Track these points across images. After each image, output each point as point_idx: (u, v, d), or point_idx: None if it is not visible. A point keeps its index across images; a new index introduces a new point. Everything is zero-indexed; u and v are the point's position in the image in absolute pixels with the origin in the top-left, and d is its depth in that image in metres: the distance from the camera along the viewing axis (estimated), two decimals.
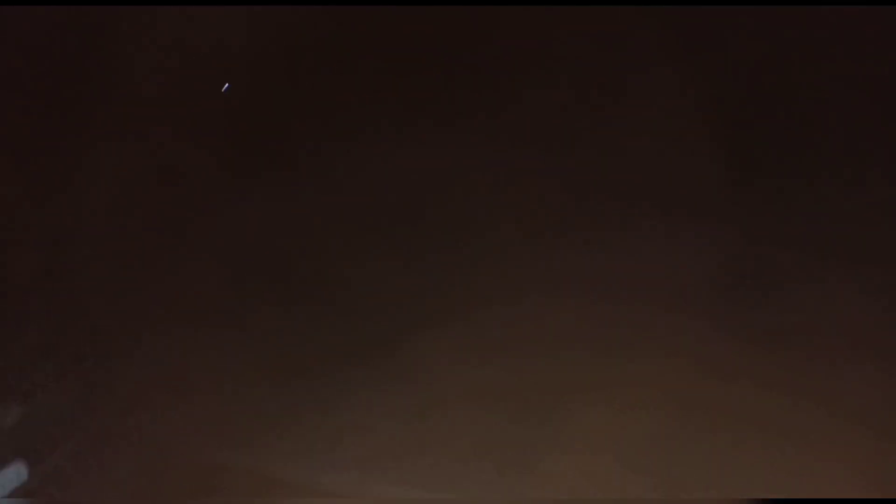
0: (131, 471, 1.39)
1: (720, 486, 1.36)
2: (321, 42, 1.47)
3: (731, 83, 1.45)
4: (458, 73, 1.47)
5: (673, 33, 1.45)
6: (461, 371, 1.41)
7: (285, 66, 1.47)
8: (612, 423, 1.39)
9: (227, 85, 1.45)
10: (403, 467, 1.38)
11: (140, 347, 1.43)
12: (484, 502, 1.38)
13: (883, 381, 1.39)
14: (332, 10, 1.46)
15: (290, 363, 1.43)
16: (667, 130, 1.45)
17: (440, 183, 1.45)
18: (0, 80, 1.44)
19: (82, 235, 1.44)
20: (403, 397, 1.40)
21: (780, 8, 1.44)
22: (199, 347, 1.42)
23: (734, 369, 1.40)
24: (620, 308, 1.42)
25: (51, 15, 1.44)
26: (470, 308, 1.43)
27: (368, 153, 1.46)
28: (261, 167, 1.47)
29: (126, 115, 1.45)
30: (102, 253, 1.44)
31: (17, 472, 1.36)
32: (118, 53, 1.45)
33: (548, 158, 1.46)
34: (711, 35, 1.45)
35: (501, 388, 1.41)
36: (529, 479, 1.38)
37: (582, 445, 1.39)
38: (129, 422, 1.41)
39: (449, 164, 1.45)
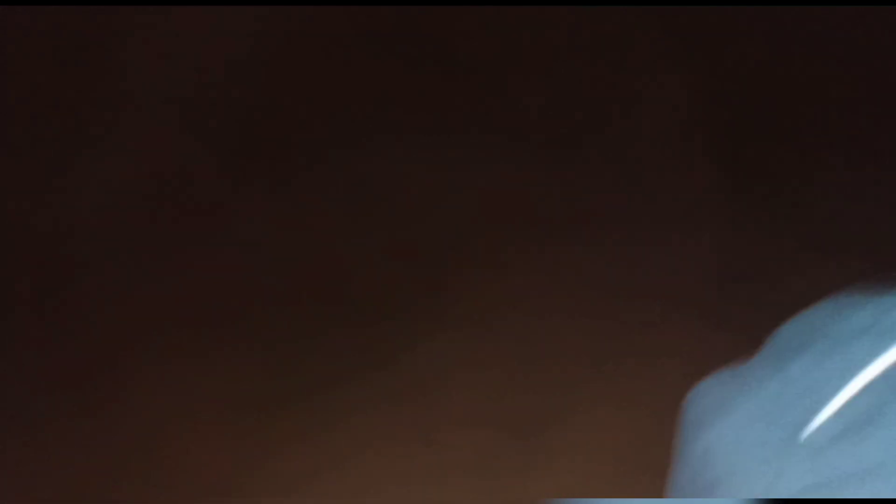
0: (129, 474, 1.39)
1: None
2: (325, 43, 1.47)
3: (730, 85, 1.45)
4: (460, 75, 1.47)
5: (673, 34, 1.45)
6: (462, 376, 1.41)
7: (288, 67, 1.47)
8: (612, 425, 1.39)
9: None
10: (404, 479, 1.38)
11: (141, 350, 1.43)
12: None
13: None
14: (335, 10, 1.46)
15: (295, 374, 1.43)
16: (665, 133, 1.45)
17: (441, 187, 1.45)
18: (0, 80, 1.44)
19: (82, 237, 1.44)
20: (405, 407, 1.40)
21: (779, 8, 1.44)
22: (200, 356, 1.42)
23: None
24: (620, 311, 1.42)
25: (51, 15, 1.44)
26: (470, 315, 1.43)
27: (373, 156, 1.46)
28: (262, 169, 1.47)
29: (128, 116, 1.45)
30: (103, 254, 1.44)
31: None
32: (119, 54, 1.45)
33: (549, 160, 1.46)
34: (711, 36, 1.45)
35: (501, 389, 1.41)
36: (530, 483, 1.38)
37: (582, 447, 1.39)
38: (129, 425, 1.40)
39: (453, 167, 1.45)
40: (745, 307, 1.42)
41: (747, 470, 0.51)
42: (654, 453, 1.39)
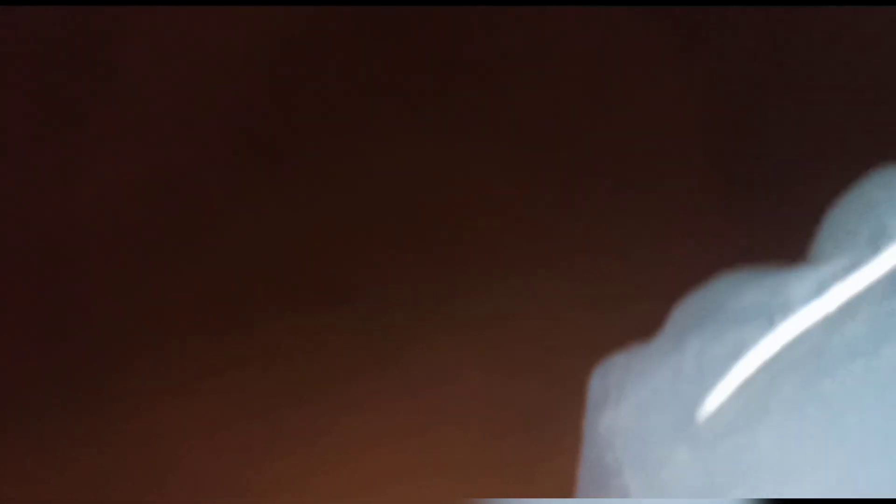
0: (130, 475, 1.39)
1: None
2: (324, 43, 1.48)
3: (731, 85, 1.45)
4: (459, 73, 1.47)
5: (673, 34, 1.46)
6: (468, 379, 1.42)
7: (289, 67, 1.47)
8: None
9: None
10: (406, 476, 1.39)
11: (142, 352, 1.43)
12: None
13: None
14: (335, 10, 1.46)
15: (296, 371, 1.43)
16: (665, 132, 1.46)
17: (442, 185, 1.46)
18: (0, 80, 1.45)
19: (82, 237, 1.44)
20: (410, 407, 1.40)
21: (780, 8, 1.44)
22: (202, 354, 1.42)
23: None
24: (623, 312, 1.42)
25: (51, 15, 1.45)
26: (473, 315, 1.43)
27: (373, 156, 1.46)
28: (263, 169, 1.47)
29: (127, 115, 1.46)
30: (102, 254, 1.44)
31: None
32: (119, 54, 1.46)
33: (550, 157, 1.46)
34: (712, 35, 1.46)
35: (508, 394, 1.42)
36: (531, 482, 1.39)
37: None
38: (129, 427, 1.41)
39: (453, 166, 1.46)
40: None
41: (642, 456, 0.50)
42: None
